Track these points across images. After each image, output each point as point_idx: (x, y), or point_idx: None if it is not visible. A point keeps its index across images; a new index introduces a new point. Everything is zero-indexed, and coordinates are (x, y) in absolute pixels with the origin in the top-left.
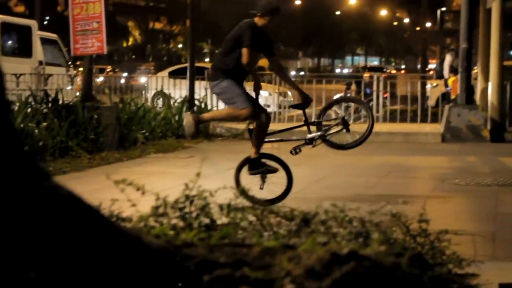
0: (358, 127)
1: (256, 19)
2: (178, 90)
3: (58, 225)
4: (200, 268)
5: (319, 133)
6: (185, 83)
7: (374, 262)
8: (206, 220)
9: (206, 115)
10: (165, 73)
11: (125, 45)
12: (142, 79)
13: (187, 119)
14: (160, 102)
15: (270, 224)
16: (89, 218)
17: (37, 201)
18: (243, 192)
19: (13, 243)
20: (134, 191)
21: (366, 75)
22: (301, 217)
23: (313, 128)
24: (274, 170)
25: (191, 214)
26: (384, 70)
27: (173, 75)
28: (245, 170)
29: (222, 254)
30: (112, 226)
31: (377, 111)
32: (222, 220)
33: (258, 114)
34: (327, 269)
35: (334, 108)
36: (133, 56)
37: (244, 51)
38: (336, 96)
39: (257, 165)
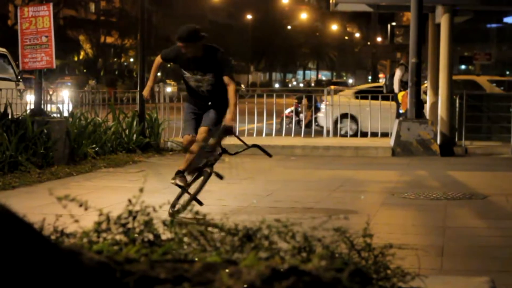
0: None
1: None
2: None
3: None
4: (140, 284)
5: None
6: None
7: (314, 277)
8: (150, 236)
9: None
10: None
11: (76, 59)
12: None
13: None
14: None
15: (214, 239)
16: (24, 236)
17: None
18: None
19: None
20: (78, 206)
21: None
22: (244, 232)
23: None
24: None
25: (134, 229)
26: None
27: None
28: None
29: (163, 270)
30: (49, 244)
31: (328, 125)
32: (166, 235)
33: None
34: (267, 284)
35: None
36: (85, 70)
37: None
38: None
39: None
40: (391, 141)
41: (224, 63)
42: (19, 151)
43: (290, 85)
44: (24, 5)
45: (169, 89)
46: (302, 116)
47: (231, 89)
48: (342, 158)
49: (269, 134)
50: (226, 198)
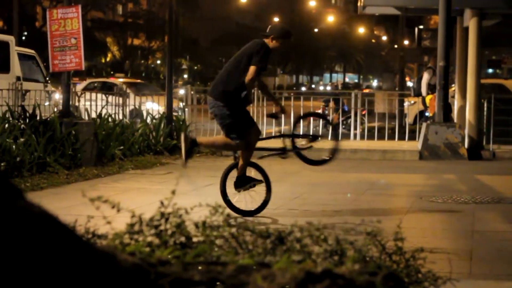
0: (328, 144)
1: (267, 41)
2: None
3: (29, 244)
4: (174, 286)
5: (292, 147)
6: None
7: (348, 281)
8: (182, 238)
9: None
10: None
11: (103, 61)
12: None
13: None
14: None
15: (246, 242)
16: (62, 237)
17: (8, 220)
18: (229, 203)
19: None
20: (109, 208)
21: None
22: (276, 235)
23: (287, 141)
24: (260, 181)
25: (166, 231)
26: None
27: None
28: (230, 180)
29: (197, 272)
30: (86, 245)
31: (355, 128)
32: (198, 237)
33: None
34: (301, 287)
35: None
36: (112, 72)
37: (252, 68)
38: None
39: (244, 181)
40: (418, 145)
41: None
42: (47, 152)
43: (322, 88)
44: (53, 7)
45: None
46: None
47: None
48: (369, 161)
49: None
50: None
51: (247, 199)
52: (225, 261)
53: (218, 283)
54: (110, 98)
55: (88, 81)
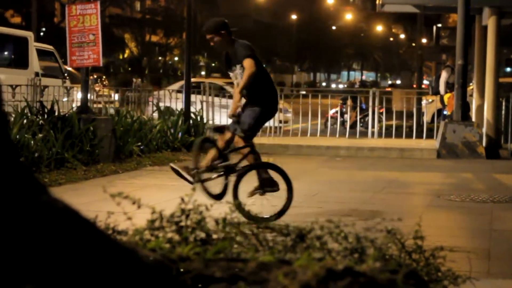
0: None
1: None
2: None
3: (54, 239)
4: (196, 282)
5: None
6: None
7: (369, 279)
8: (202, 235)
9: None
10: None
11: (121, 57)
12: None
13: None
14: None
15: (266, 239)
16: (86, 232)
17: (33, 214)
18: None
19: (9, 257)
20: (129, 204)
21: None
22: (296, 233)
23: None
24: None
25: (187, 228)
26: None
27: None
28: (244, 183)
29: (218, 269)
30: (109, 240)
31: (373, 127)
32: (217, 234)
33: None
34: (322, 284)
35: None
36: (129, 69)
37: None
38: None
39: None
40: (436, 143)
41: (242, 47)
42: (66, 148)
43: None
44: (72, 3)
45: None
46: (346, 116)
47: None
48: (387, 159)
49: (313, 134)
50: (272, 199)
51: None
52: (246, 258)
53: (239, 280)
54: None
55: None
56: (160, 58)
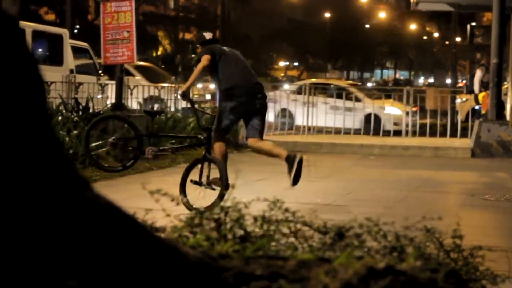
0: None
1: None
2: None
3: (98, 235)
4: (237, 280)
5: None
6: None
7: (410, 277)
8: (240, 232)
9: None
10: None
11: (154, 54)
12: None
13: None
14: None
15: (304, 237)
16: (130, 229)
17: (78, 211)
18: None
19: (52, 253)
20: (166, 201)
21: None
22: (335, 231)
23: None
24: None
25: (225, 225)
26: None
27: None
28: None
29: (258, 266)
30: (153, 237)
31: (407, 125)
32: (255, 232)
33: None
34: (363, 283)
35: None
36: (162, 66)
37: None
38: None
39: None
40: (470, 142)
41: None
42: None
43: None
44: (106, 1)
45: None
46: None
47: None
48: (420, 158)
49: (347, 133)
50: (307, 196)
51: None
52: (285, 255)
53: (280, 277)
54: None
55: (305, 81)
56: (193, 55)
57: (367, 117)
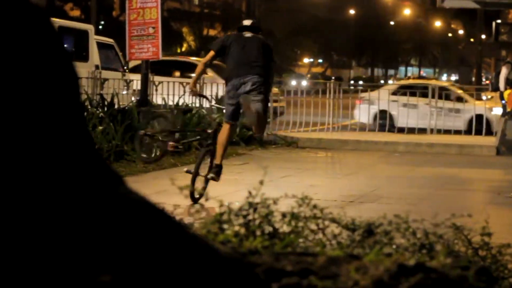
0: None
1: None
2: None
3: (132, 230)
4: (267, 275)
5: None
6: None
7: (441, 275)
8: (269, 228)
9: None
10: None
11: (179, 51)
12: None
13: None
14: None
15: (333, 233)
16: (164, 224)
17: (112, 205)
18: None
19: (87, 247)
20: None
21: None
22: (364, 227)
23: None
24: None
25: (254, 221)
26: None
27: None
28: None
29: (288, 262)
30: (187, 233)
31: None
32: (283, 228)
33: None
34: (394, 280)
35: None
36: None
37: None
38: None
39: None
40: (495, 140)
41: None
42: (125, 140)
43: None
44: None
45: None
46: None
47: None
48: (445, 155)
49: (372, 130)
50: (332, 193)
51: None
52: (315, 252)
53: (310, 274)
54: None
55: (403, 81)
56: None
57: (474, 119)
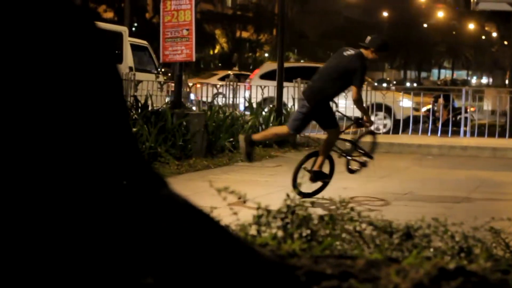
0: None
1: (365, 52)
2: None
3: (176, 232)
4: (307, 278)
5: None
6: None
7: (481, 278)
8: (307, 231)
9: (256, 135)
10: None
11: (211, 53)
12: None
13: (240, 140)
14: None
15: (372, 236)
16: (209, 227)
17: (155, 208)
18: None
19: (130, 249)
20: (237, 199)
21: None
22: (403, 230)
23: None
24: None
25: (292, 224)
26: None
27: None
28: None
29: (327, 265)
30: (231, 236)
31: (465, 125)
32: (320, 231)
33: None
34: (435, 284)
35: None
36: (219, 64)
37: (355, 89)
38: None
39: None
40: None
41: None
42: (159, 142)
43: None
44: None
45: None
46: (438, 115)
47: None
48: (479, 158)
49: (405, 132)
50: (366, 196)
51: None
52: (353, 255)
53: (350, 277)
54: None
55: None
56: (250, 54)
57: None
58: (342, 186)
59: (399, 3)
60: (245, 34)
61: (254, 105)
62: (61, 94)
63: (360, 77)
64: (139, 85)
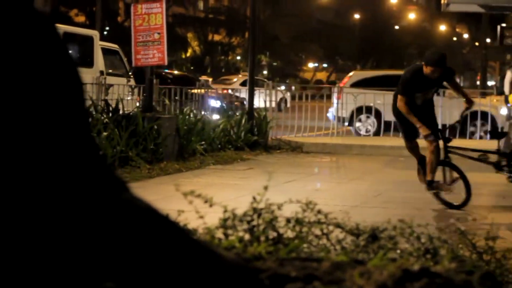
0: None
1: (425, 68)
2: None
3: (136, 236)
4: (272, 281)
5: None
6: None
7: (446, 280)
8: (273, 234)
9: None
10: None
11: (183, 56)
12: None
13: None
14: None
15: (338, 238)
16: (169, 231)
17: (116, 212)
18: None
19: (90, 254)
20: (204, 203)
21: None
22: (369, 232)
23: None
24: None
25: (258, 227)
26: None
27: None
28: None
29: (293, 268)
30: (192, 240)
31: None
32: (287, 234)
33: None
34: (398, 285)
35: None
36: (191, 68)
37: (398, 97)
38: None
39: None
40: (500, 143)
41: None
42: (130, 146)
43: None
44: (137, 2)
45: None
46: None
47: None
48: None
49: (376, 134)
50: (336, 198)
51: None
52: (319, 257)
53: (314, 279)
54: None
55: None
56: (222, 57)
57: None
58: (313, 189)
59: (371, 6)
60: (217, 37)
61: (349, 114)
62: (12, 97)
63: (401, 88)
64: (110, 89)
